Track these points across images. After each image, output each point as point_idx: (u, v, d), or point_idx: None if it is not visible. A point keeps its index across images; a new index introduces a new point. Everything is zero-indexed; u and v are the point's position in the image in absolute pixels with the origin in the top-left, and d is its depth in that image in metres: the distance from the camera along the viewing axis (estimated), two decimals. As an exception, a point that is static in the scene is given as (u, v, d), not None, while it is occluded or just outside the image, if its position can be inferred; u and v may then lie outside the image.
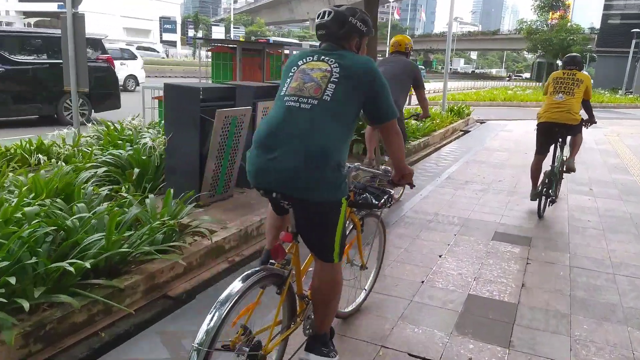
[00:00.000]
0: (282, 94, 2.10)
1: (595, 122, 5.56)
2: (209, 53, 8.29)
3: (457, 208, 5.46)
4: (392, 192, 2.59)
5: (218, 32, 76.34)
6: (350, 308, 2.95)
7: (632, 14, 49.46)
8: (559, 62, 49.66)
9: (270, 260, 2.10)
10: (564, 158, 5.42)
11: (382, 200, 2.50)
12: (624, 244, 4.54)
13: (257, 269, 1.96)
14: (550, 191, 5.24)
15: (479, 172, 7.38)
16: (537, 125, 5.37)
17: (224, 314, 1.72)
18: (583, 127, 5.24)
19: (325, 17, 2.15)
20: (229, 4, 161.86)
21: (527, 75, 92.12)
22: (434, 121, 11.41)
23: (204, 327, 1.70)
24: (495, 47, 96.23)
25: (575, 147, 5.36)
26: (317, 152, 1.93)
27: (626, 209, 5.71)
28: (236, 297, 1.78)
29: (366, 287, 3.13)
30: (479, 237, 4.55)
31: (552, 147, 5.33)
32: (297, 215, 2.09)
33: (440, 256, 4.05)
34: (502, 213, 5.36)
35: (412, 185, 2.45)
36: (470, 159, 8.47)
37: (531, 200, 5.42)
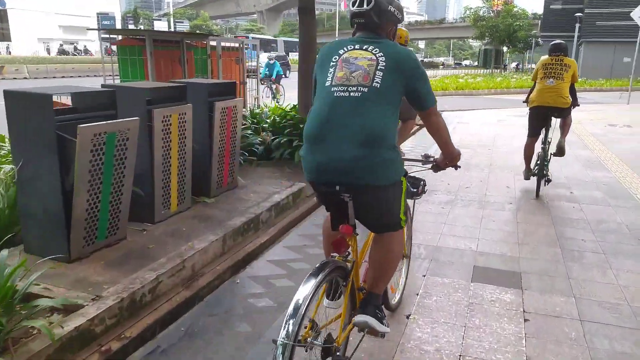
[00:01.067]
0: (327, 84, 2.09)
1: (579, 105, 5.76)
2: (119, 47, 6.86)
3: (423, 232, 4.37)
4: (425, 179, 2.79)
5: (160, 28, 73.49)
6: (397, 297, 2.99)
7: (572, -1, 50.52)
8: (505, 49, 50.24)
9: (332, 254, 2.10)
10: (549, 141, 5.59)
11: (419, 188, 2.77)
12: (634, 274, 3.56)
13: (324, 261, 1.98)
14: (544, 171, 5.51)
15: (441, 177, 6.34)
16: (529, 110, 5.63)
17: (305, 308, 1.73)
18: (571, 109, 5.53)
19: (365, 6, 2.12)
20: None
21: (467, 62, 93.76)
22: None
23: (287, 322, 1.70)
24: (443, 35, 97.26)
25: (565, 127, 5.66)
26: (374, 137, 1.97)
27: (619, 218, 4.79)
28: (313, 291, 1.79)
29: (403, 275, 3.14)
30: (455, 278, 3.46)
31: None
32: (360, 203, 2.08)
33: (407, 317, 2.93)
34: (477, 235, 4.31)
35: (457, 167, 2.52)
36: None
37: (525, 179, 5.82)
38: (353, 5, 2.16)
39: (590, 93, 24.91)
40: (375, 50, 2.08)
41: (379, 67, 2.04)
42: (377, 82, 2.01)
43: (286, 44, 69.87)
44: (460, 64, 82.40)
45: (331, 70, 2.11)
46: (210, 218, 4.22)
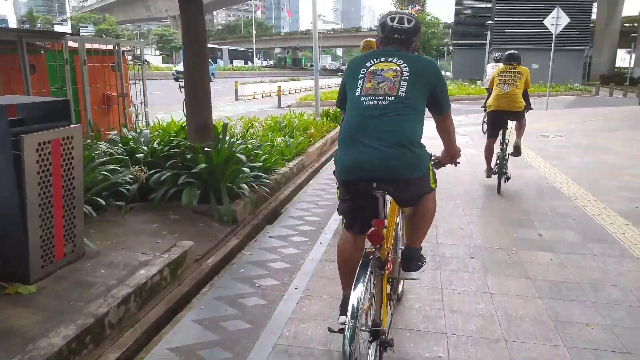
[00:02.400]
0: (357, 94, 2.30)
1: (532, 109, 6.27)
2: None
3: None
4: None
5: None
6: (400, 288, 3.15)
7: (481, 8, 52.48)
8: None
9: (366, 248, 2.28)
10: (507, 141, 6.01)
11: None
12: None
13: (368, 253, 2.17)
14: (503, 169, 5.91)
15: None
16: (487, 114, 6.22)
17: (363, 295, 1.96)
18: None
19: (406, 24, 2.40)
20: (78, 2, 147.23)
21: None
22: (308, 131, 8.91)
23: (350, 307, 1.91)
24: (359, 43, 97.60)
25: (521, 129, 6.21)
26: (405, 139, 2.17)
27: (618, 278, 3.59)
28: (367, 279, 2.03)
29: None
30: None
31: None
32: (398, 194, 2.37)
33: None
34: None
35: (456, 163, 2.72)
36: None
37: (487, 177, 6.23)
38: (393, 22, 2.40)
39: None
40: (400, 62, 2.30)
41: (403, 78, 2.26)
42: (402, 92, 2.23)
43: (231, 53, 68.13)
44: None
45: (360, 82, 2.32)
46: (10, 334, 2.47)
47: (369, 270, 2.06)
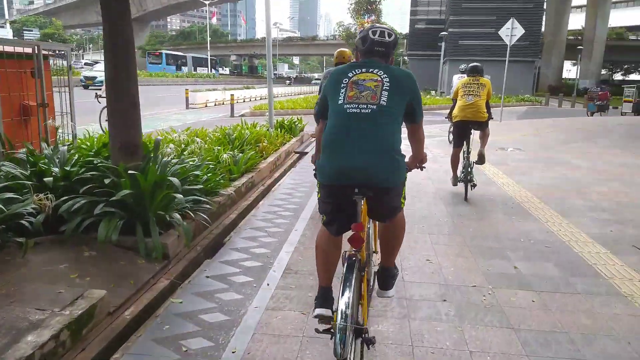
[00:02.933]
0: (340, 102, 2.39)
1: (493, 118, 6.42)
2: None
3: None
4: None
5: (3, 36, 64.52)
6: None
7: (435, 19, 53.39)
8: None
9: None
10: (470, 150, 6.23)
11: None
12: None
13: (351, 256, 2.27)
14: (469, 177, 6.08)
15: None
16: (453, 124, 6.27)
17: (352, 297, 2.10)
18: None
19: (387, 38, 2.51)
20: (23, 4, 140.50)
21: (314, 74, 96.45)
22: (261, 144, 8.24)
23: (341, 309, 2.05)
24: (316, 52, 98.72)
25: (484, 138, 6.28)
26: (387, 147, 2.30)
27: (608, 323, 3.11)
28: (354, 281, 2.17)
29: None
30: None
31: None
32: (375, 202, 2.41)
33: None
34: None
35: (422, 168, 2.83)
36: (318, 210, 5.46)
37: (453, 185, 6.37)
38: (374, 35, 2.51)
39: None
40: (380, 73, 2.41)
41: (384, 88, 2.37)
42: (383, 101, 2.34)
43: (195, 60, 67.20)
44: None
45: (342, 90, 2.41)
46: None
47: (354, 274, 2.19)
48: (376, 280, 2.75)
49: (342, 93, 2.39)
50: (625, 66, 75.61)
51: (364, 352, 2.40)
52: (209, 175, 5.06)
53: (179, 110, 20.09)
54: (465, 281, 3.67)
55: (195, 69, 63.72)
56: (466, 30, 45.22)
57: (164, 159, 4.46)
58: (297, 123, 11.51)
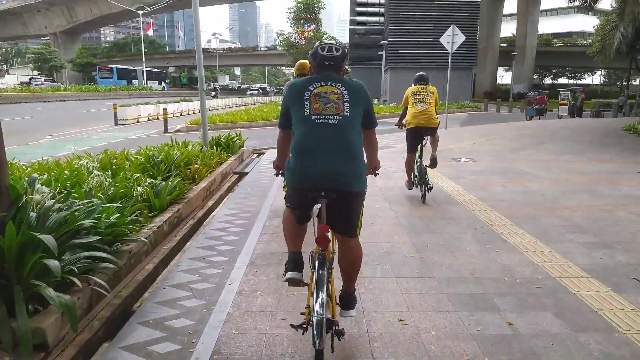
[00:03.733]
0: (307, 114, 2.60)
1: (439, 122, 6.66)
2: None
3: None
4: None
5: None
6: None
7: (374, 28, 53.68)
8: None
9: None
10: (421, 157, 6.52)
11: None
12: None
13: (321, 254, 2.52)
14: (423, 180, 6.34)
15: (292, 301, 3.40)
16: (407, 130, 6.52)
17: (325, 290, 2.36)
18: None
19: (335, 52, 2.74)
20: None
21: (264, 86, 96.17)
22: (192, 166, 7.13)
23: (316, 303, 2.29)
24: (257, 62, 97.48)
25: (435, 143, 6.58)
26: (352, 154, 2.55)
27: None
28: (327, 278, 2.44)
29: None
30: None
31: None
32: (335, 207, 2.58)
33: None
34: None
35: (376, 174, 3.06)
36: (262, 252, 4.44)
37: (408, 189, 6.80)
38: (323, 51, 2.75)
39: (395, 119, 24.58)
40: (339, 85, 2.65)
41: (345, 100, 2.61)
42: (346, 112, 2.59)
43: (148, 74, 65.81)
44: (255, 90, 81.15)
45: (307, 103, 2.61)
46: None
47: (325, 273, 2.44)
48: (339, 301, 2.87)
49: (306, 105, 2.60)
50: (554, 70, 79.57)
51: (334, 343, 2.58)
52: (116, 217, 3.94)
53: (108, 128, 18.43)
54: (454, 353, 2.79)
55: (146, 82, 62.29)
56: (406, 39, 45.61)
57: (46, 204, 3.30)
58: (235, 139, 10.44)
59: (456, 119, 26.68)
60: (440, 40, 18.10)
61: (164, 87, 62.72)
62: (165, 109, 18.22)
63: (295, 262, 2.68)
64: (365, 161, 2.79)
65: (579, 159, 10.38)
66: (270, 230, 5.16)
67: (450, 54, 17.70)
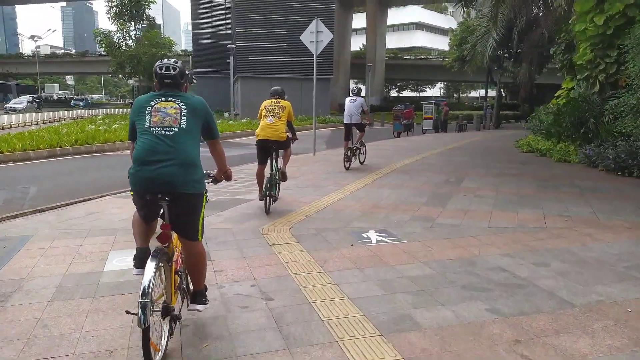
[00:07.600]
0: (146, 126, 2.87)
1: (298, 139, 7.20)
2: None
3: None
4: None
5: None
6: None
7: (221, 33, 48.57)
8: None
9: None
10: (279, 167, 6.76)
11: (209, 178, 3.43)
12: None
13: (158, 249, 2.76)
14: (271, 192, 6.51)
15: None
16: (256, 142, 6.72)
17: (153, 279, 2.54)
18: (290, 142, 6.86)
19: (172, 71, 3.00)
20: None
21: (94, 96, 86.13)
22: None
23: (142, 288, 2.48)
24: (90, 70, 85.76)
25: (285, 158, 6.92)
26: (186, 160, 2.83)
27: None
28: (155, 269, 2.60)
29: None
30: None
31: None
32: (174, 208, 2.87)
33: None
34: None
35: (229, 180, 3.40)
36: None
37: (259, 200, 6.67)
38: (161, 70, 2.99)
39: (250, 138, 19.16)
40: (177, 101, 2.95)
41: (182, 114, 2.90)
42: (183, 124, 2.89)
43: (18, 88, 59.69)
44: (82, 100, 72.41)
45: (148, 116, 2.88)
46: None
47: (157, 262, 2.65)
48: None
49: (147, 119, 2.88)
50: (399, 83, 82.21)
51: (174, 327, 2.97)
52: None
53: None
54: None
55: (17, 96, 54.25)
56: (256, 45, 41.25)
57: None
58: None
59: (320, 137, 22.39)
60: (301, 38, 13.87)
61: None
62: None
63: (141, 258, 3.00)
64: (216, 169, 3.31)
65: (510, 183, 6.62)
66: None
67: (314, 57, 13.61)
